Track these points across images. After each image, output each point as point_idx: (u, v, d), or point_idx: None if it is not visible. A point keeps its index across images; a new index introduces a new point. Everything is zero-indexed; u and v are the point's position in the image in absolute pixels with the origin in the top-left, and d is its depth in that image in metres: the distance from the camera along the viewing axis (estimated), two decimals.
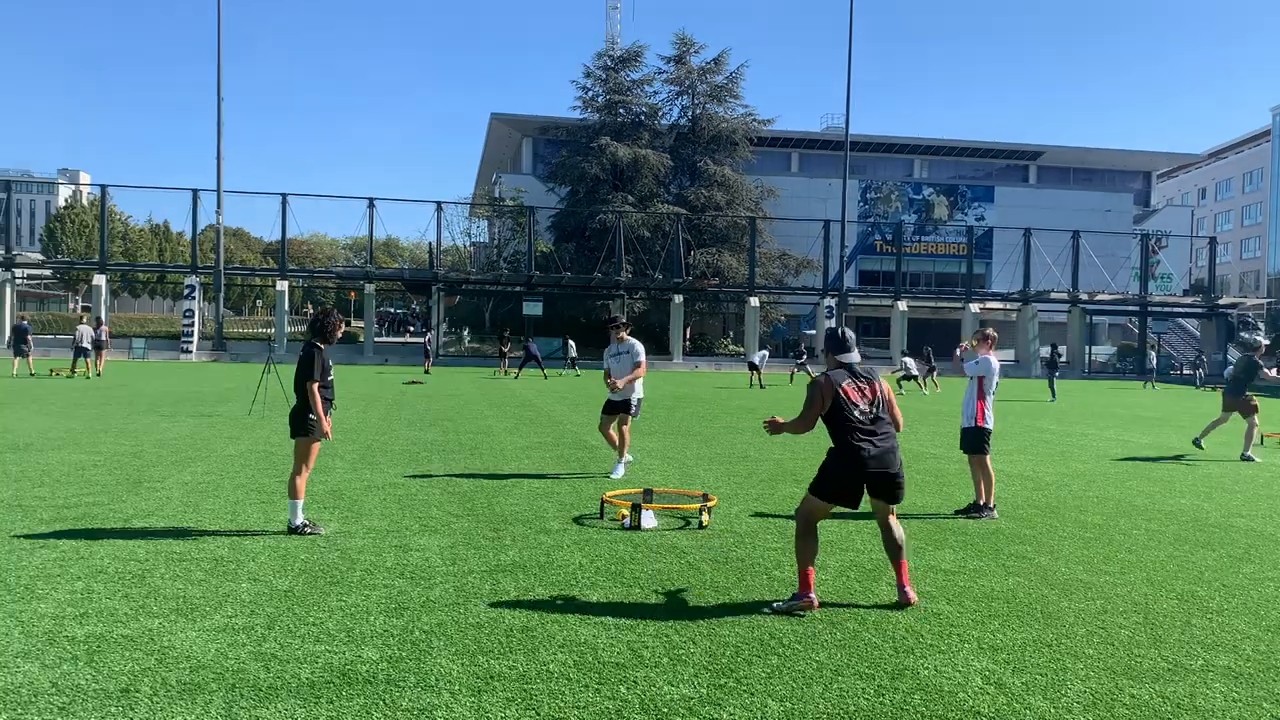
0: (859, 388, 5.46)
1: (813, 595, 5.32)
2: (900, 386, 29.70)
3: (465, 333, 55.98)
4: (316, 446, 7.06)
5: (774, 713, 3.89)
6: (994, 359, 8.53)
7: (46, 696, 3.87)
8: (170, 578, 5.64)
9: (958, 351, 9.28)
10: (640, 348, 10.43)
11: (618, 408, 10.29)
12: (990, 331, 8.84)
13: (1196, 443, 13.93)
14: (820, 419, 5.47)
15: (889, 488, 5.42)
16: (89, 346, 26.53)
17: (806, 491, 5.54)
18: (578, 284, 48.91)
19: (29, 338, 26.93)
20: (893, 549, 5.49)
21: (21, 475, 9.20)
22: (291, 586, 5.52)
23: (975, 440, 8.45)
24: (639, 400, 10.39)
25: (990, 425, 8.49)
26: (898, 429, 5.59)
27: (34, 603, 5.10)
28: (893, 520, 5.51)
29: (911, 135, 72.82)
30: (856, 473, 5.33)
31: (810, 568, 5.36)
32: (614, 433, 10.41)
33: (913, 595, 5.43)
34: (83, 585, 5.44)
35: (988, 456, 8.40)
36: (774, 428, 5.57)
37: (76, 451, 10.97)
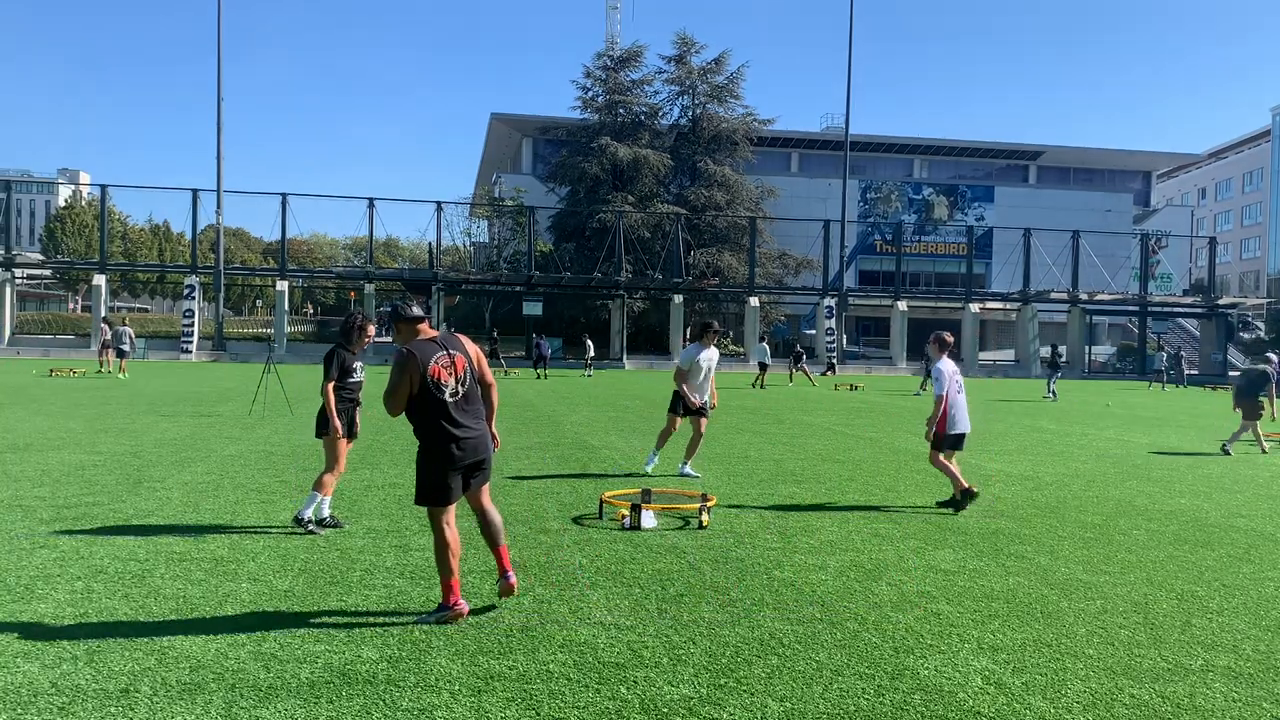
0: (446, 364, 4.88)
1: (460, 603, 4.91)
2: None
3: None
4: (343, 445, 7.04)
5: (774, 713, 3.89)
6: (946, 365, 8.58)
7: (46, 696, 3.87)
8: (170, 578, 5.64)
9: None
10: (685, 354, 10.36)
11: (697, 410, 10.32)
12: (946, 335, 8.91)
13: (1224, 449, 14.06)
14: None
15: (479, 473, 5.02)
16: (128, 347, 27.07)
17: (415, 502, 5.04)
18: (578, 284, 48.89)
19: None
20: (491, 535, 5.12)
21: (21, 475, 9.20)
22: (291, 586, 5.52)
23: (935, 440, 8.68)
24: (704, 404, 10.38)
25: (957, 429, 8.61)
26: (491, 393, 5.15)
27: (34, 603, 5.10)
28: (487, 503, 5.14)
29: (911, 135, 72.90)
30: (453, 466, 4.86)
31: (453, 578, 4.91)
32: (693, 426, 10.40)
33: (513, 580, 5.07)
34: (83, 585, 5.44)
35: (940, 454, 8.61)
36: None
37: (76, 451, 10.97)
